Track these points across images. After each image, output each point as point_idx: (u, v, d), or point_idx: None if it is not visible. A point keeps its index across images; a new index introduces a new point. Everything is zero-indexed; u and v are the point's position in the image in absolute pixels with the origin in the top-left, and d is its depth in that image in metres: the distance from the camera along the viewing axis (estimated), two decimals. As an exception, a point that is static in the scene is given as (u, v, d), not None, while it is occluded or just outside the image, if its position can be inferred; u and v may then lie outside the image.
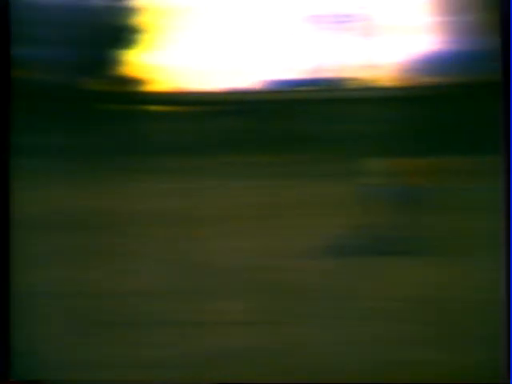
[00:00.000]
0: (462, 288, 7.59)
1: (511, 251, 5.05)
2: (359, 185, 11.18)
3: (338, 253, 10.17)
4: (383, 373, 5.01)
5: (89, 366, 5.28)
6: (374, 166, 11.06)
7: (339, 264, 9.68)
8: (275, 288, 8.09)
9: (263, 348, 5.47)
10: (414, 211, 11.15)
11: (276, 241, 11.79)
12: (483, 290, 7.56)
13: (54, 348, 5.21)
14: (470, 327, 5.98)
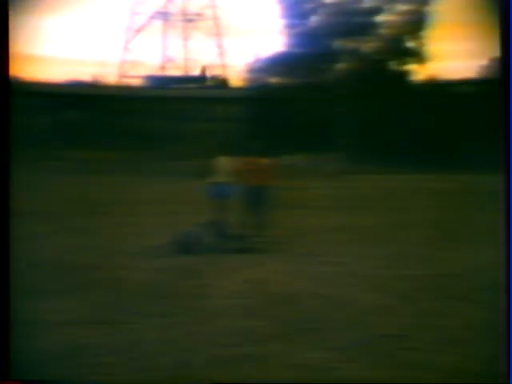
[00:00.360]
0: (314, 284, 7.81)
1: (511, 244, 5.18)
2: (207, 183, 11.24)
3: (183, 251, 10.16)
4: (230, 368, 5.03)
5: None
6: (221, 165, 11.15)
7: (185, 262, 9.68)
8: (119, 286, 7.93)
9: (103, 346, 5.34)
10: (261, 210, 11.36)
11: (119, 239, 11.59)
12: (331, 286, 7.82)
13: None
14: (316, 322, 6.11)
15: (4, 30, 4.65)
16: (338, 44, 58.17)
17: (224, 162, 11.16)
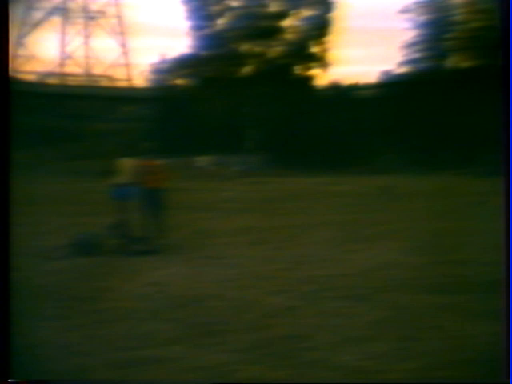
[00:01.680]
0: (217, 286, 7.84)
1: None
2: (109, 184, 11.09)
3: (84, 252, 10.00)
4: (132, 371, 5.00)
5: None
6: (124, 166, 11.03)
7: (86, 264, 9.53)
8: (15, 288, 7.71)
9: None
10: (158, 212, 11.30)
11: (16, 239, 11.24)
12: (235, 288, 7.87)
13: None
14: (219, 324, 6.16)
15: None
16: (244, 47, 58.68)
17: (126, 163, 11.06)
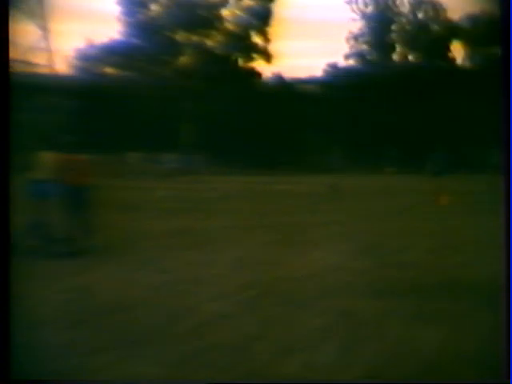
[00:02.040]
0: (148, 292, 7.48)
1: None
2: (26, 180, 10.55)
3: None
4: (76, 374, 4.73)
5: None
6: (42, 161, 10.54)
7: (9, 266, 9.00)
8: None
9: None
10: (83, 211, 10.83)
11: None
12: (168, 294, 7.53)
13: None
14: (149, 333, 5.91)
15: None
16: (181, 37, 58.00)
17: (46, 158, 10.57)
